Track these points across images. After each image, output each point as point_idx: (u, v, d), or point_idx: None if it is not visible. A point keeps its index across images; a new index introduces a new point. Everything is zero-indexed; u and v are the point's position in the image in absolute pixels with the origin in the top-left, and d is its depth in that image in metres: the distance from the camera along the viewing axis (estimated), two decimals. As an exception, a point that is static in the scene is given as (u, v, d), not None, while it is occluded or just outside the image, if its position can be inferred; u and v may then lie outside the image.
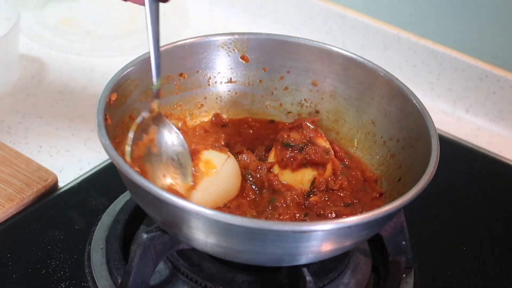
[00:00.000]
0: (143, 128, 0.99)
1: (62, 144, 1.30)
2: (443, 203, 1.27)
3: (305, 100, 1.17)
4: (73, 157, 1.28)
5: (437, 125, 1.03)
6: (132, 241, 1.10)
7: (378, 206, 0.92)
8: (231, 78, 1.16)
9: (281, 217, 0.98)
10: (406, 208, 0.96)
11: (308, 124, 1.06)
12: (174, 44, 1.10)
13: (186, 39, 1.11)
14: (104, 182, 1.21)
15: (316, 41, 1.14)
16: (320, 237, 0.90)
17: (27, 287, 1.04)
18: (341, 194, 1.04)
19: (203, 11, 1.71)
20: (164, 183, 0.97)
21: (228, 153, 1.03)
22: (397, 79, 1.09)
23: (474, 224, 1.24)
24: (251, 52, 1.15)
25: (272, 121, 1.18)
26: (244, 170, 1.04)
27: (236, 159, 1.04)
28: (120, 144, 1.00)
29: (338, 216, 0.99)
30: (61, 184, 1.21)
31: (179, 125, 1.12)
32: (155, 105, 1.00)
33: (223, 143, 1.11)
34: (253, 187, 1.03)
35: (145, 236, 0.95)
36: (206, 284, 1.01)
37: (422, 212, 1.22)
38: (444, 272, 1.14)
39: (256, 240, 0.89)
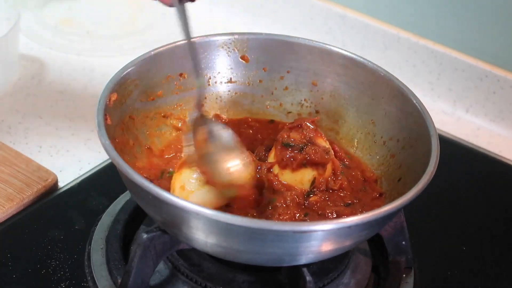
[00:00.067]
0: (195, 128, 1.00)
1: (62, 144, 1.30)
2: (443, 203, 1.27)
3: (305, 100, 1.17)
4: (73, 157, 1.28)
5: (437, 125, 1.03)
6: (132, 241, 1.10)
7: (378, 206, 0.92)
8: (231, 78, 1.16)
9: (281, 217, 0.97)
10: (406, 208, 0.96)
11: (308, 124, 1.05)
12: (174, 44, 1.09)
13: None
14: (104, 182, 1.21)
15: (316, 41, 1.14)
16: (320, 237, 0.90)
17: (27, 287, 1.04)
18: (341, 194, 1.04)
19: (203, 11, 1.70)
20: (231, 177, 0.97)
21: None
22: (397, 79, 1.09)
23: (474, 224, 1.24)
24: (251, 52, 1.15)
25: (272, 121, 1.17)
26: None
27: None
28: (120, 144, 1.00)
29: (338, 216, 0.99)
30: (61, 184, 1.21)
31: (179, 125, 1.12)
32: (202, 103, 1.01)
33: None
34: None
35: (145, 236, 0.95)
36: (206, 284, 1.01)
37: (422, 212, 1.22)
38: (444, 272, 1.14)
39: (256, 240, 0.89)
